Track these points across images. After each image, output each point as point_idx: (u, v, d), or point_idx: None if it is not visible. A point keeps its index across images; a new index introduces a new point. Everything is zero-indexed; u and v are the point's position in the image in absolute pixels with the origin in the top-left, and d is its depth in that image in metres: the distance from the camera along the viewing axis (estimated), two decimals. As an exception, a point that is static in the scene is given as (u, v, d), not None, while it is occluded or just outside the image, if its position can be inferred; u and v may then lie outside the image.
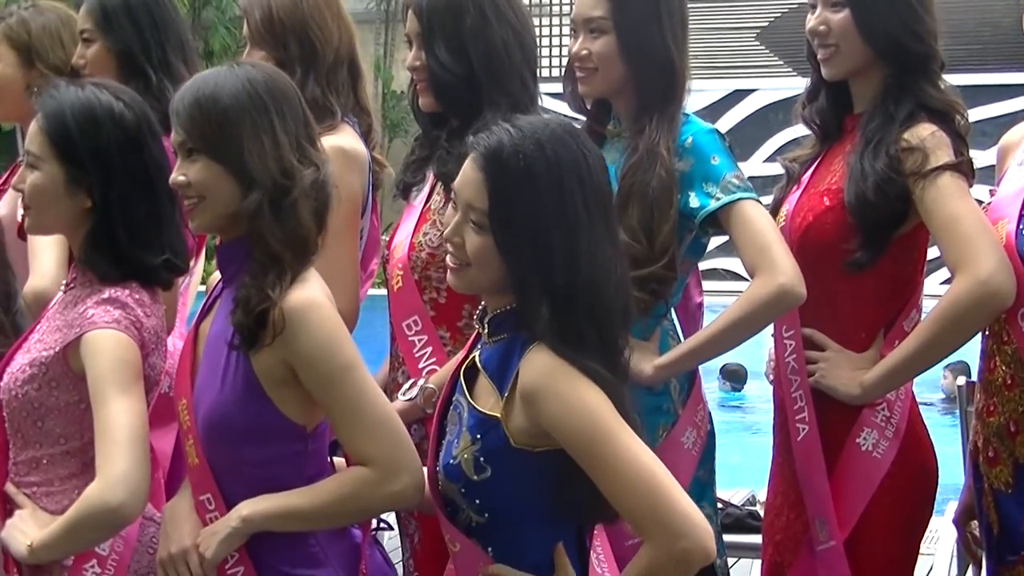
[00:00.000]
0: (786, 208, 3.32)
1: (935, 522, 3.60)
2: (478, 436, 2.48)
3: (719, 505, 3.83)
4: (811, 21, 3.29)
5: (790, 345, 3.26)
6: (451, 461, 2.51)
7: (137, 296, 2.81)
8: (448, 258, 2.54)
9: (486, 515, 2.50)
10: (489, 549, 2.51)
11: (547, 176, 2.42)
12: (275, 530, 2.63)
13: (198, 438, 2.69)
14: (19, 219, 3.56)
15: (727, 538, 3.67)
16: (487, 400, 2.49)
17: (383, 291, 3.41)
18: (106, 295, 2.78)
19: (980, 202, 3.21)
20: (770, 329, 3.26)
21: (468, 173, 2.48)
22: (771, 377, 3.42)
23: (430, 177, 3.35)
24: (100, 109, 2.83)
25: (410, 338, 3.26)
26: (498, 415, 2.46)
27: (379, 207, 3.63)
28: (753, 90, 17.64)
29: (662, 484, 2.38)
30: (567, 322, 2.41)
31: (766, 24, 17.92)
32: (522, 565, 2.49)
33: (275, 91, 2.66)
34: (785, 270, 3.04)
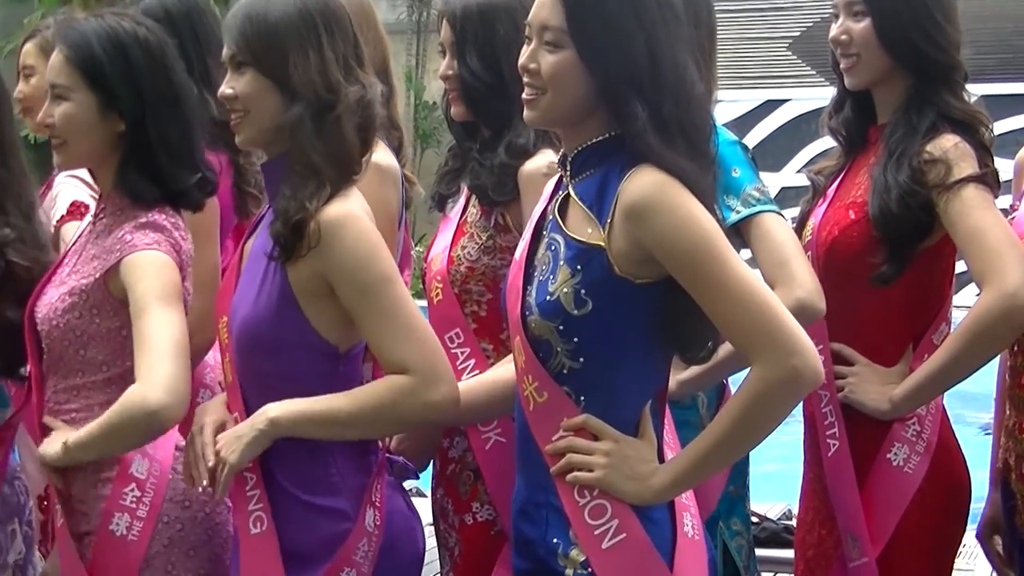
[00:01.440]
0: (812, 222, 3.30)
1: (973, 537, 3.56)
2: (579, 267, 2.45)
3: (754, 519, 3.81)
4: (834, 30, 3.28)
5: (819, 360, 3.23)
6: (547, 298, 2.48)
7: (172, 219, 2.86)
8: (525, 92, 2.54)
9: (581, 359, 2.46)
10: (582, 399, 2.48)
11: None
12: (303, 435, 2.63)
13: (234, 355, 2.72)
14: (54, 226, 3.57)
15: (762, 553, 3.65)
16: (584, 230, 2.47)
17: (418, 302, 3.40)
18: (143, 220, 2.83)
19: (1006, 212, 3.18)
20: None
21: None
22: None
23: (464, 189, 3.35)
24: (124, 34, 2.90)
25: (452, 350, 3.24)
26: (601, 243, 2.44)
27: (410, 224, 3.63)
28: (785, 100, 17.60)
29: (771, 302, 2.39)
30: (661, 119, 2.41)
31: (798, 34, 17.87)
32: (608, 422, 2.47)
33: (326, 10, 2.72)
34: (804, 283, 3.00)
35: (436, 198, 3.45)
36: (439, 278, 3.27)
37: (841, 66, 3.28)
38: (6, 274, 3.00)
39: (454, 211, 3.36)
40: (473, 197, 3.29)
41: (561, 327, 2.46)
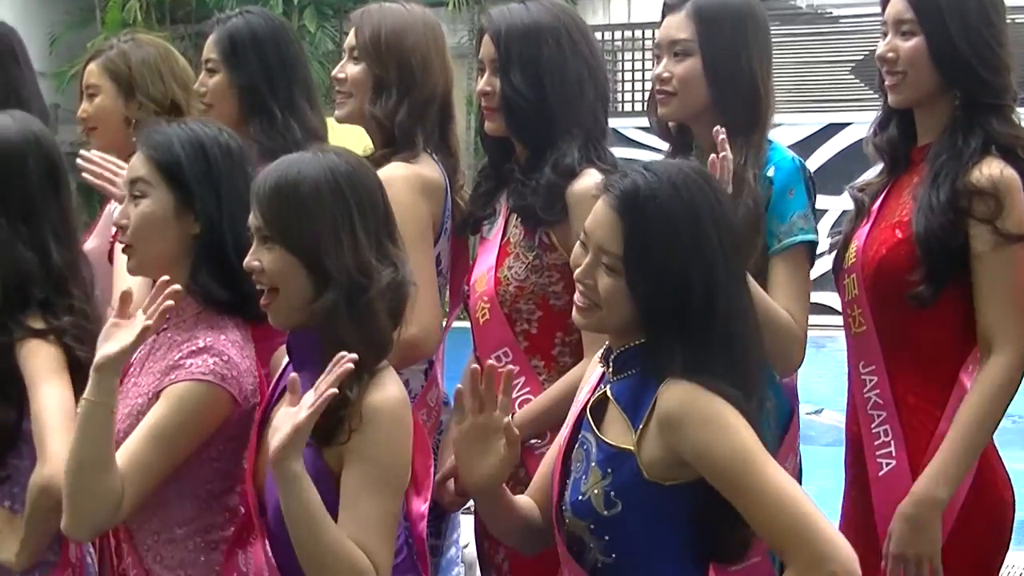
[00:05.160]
0: (856, 243, 3.29)
1: (1015, 556, 3.55)
2: (609, 470, 2.49)
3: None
4: (881, 47, 3.28)
5: (870, 380, 3.24)
6: (579, 498, 2.52)
7: (235, 338, 2.82)
8: (576, 297, 2.56)
9: (613, 555, 2.51)
10: None
11: (683, 217, 2.45)
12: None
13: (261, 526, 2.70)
14: (109, 242, 3.64)
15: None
16: (617, 434, 2.51)
17: (461, 324, 3.43)
18: (203, 343, 2.79)
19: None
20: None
21: (601, 215, 2.50)
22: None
23: (502, 210, 3.37)
24: (206, 137, 2.90)
25: (500, 369, 3.27)
26: (631, 447, 2.47)
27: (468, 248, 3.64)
28: (848, 124, 17.49)
29: (808, 509, 2.41)
30: (701, 360, 2.43)
31: (861, 58, 17.76)
32: None
33: (358, 185, 2.65)
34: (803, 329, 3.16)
35: (471, 219, 3.46)
36: (486, 298, 3.30)
37: (886, 83, 3.28)
38: (71, 363, 3.00)
39: (493, 232, 3.37)
40: (513, 217, 3.31)
41: (592, 526, 2.51)
